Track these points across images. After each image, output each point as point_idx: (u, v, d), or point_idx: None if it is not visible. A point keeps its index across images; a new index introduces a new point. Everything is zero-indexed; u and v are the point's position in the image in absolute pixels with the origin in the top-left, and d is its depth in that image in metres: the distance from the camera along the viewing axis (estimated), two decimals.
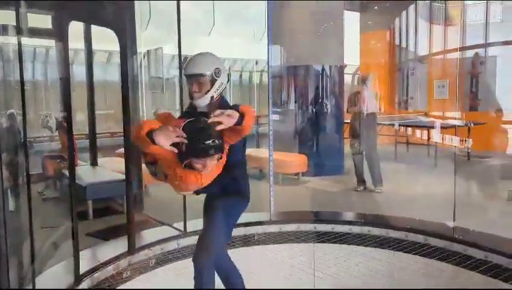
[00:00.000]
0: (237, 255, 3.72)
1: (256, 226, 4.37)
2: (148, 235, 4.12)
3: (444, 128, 8.22)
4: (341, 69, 8.04)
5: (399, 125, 9.26)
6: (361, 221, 4.37)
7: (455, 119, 8.25)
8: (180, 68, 4.15)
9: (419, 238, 4.00)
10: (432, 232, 4.00)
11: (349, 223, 4.34)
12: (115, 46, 3.83)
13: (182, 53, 4.08)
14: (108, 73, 12.36)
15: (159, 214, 4.79)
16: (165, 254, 3.84)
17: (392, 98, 11.99)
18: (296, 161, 6.99)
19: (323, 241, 3.99)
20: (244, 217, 4.42)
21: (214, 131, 2.02)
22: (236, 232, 4.30)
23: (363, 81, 6.55)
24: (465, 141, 8.15)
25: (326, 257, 3.84)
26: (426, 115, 10.54)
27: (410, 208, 5.00)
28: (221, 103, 2.45)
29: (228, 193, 2.54)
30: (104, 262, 3.48)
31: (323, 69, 7.66)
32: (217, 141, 2.04)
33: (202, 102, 2.40)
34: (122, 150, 7.93)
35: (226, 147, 2.18)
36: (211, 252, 2.47)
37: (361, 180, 6.64)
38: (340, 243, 3.95)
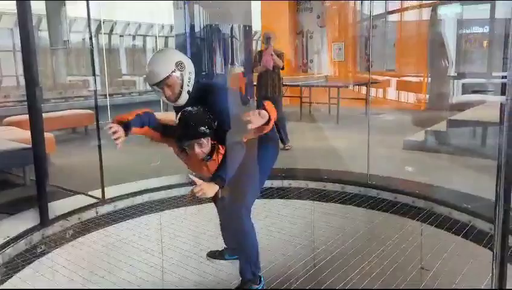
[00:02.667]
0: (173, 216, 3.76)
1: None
2: (61, 206, 3.78)
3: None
4: (249, 30, 7.98)
5: (302, 86, 9.58)
6: (282, 175, 4.48)
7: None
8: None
9: (337, 187, 4.26)
10: (348, 181, 4.28)
11: (270, 177, 4.43)
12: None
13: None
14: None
15: (67, 184, 4.41)
16: (84, 223, 3.58)
17: (294, 61, 12.35)
18: None
19: None
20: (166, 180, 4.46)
21: (207, 118, 2.11)
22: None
23: (267, 39, 6.54)
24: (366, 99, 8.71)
25: (256, 211, 3.88)
26: (326, 77, 11.08)
27: (323, 160, 5.26)
28: (199, 87, 2.29)
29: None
30: (14, 237, 3.12)
31: (232, 29, 7.53)
32: (208, 128, 2.11)
33: (182, 101, 2.24)
34: (13, 118, 7.22)
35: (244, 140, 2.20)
36: (248, 203, 2.32)
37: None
38: (263, 198, 4.04)
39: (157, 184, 4.33)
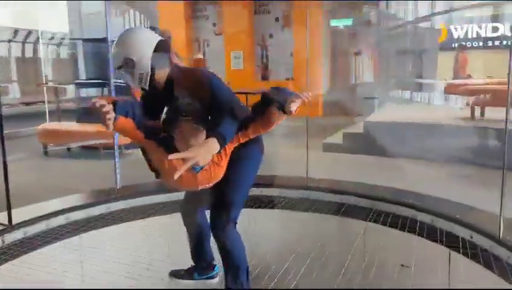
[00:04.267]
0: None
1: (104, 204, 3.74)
2: None
3: None
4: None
5: None
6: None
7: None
8: None
9: (275, 191, 4.12)
10: (285, 185, 4.17)
11: None
12: None
13: None
14: None
15: None
16: None
17: None
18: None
19: None
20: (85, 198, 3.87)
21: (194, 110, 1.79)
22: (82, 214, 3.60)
23: (168, 38, 6.26)
24: None
25: None
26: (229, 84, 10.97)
27: None
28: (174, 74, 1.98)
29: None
30: None
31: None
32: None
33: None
34: None
35: (250, 136, 1.89)
36: (232, 216, 2.02)
37: None
38: None
39: (75, 202, 3.73)
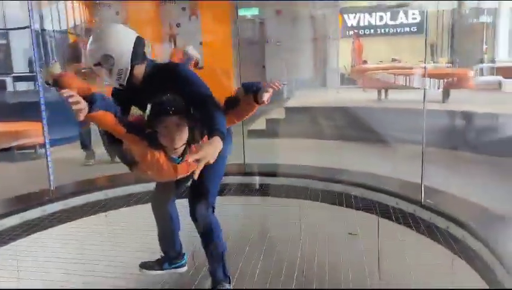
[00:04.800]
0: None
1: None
2: None
3: None
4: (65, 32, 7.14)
5: None
6: None
7: None
8: None
9: None
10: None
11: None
12: None
13: None
14: None
15: None
16: None
17: None
18: (33, 130, 5.66)
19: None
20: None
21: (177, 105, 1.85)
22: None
23: (87, 31, 6.09)
24: None
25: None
26: None
27: None
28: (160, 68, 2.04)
29: None
30: None
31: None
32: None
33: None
34: None
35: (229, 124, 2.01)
36: (210, 202, 2.14)
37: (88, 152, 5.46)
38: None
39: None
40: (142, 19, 10.82)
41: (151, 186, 3.86)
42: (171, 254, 2.48)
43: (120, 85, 1.99)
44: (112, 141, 2.04)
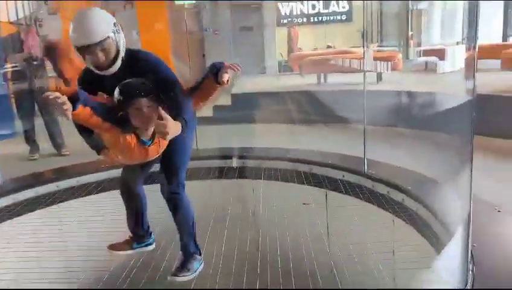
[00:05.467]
0: None
1: None
2: None
3: None
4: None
5: None
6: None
7: None
8: None
9: None
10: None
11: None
12: None
13: None
14: None
15: None
16: None
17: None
18: None
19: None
20: None
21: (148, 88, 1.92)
22: None
23: (35, 20, 5.80)
24: None
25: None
26: None
27: None
28: (131, 54, 2.02)
29: None
30: None
31: None
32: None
33: (115, 68, 1.96)
34: None
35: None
36: (182, 179, 2.24)
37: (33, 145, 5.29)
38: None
39: None
40: (77, 7, 10.40)
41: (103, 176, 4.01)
42: (139, 233, 2.57)
43: (98, 69, 1.97)
44: (82, 129, 2.08)
